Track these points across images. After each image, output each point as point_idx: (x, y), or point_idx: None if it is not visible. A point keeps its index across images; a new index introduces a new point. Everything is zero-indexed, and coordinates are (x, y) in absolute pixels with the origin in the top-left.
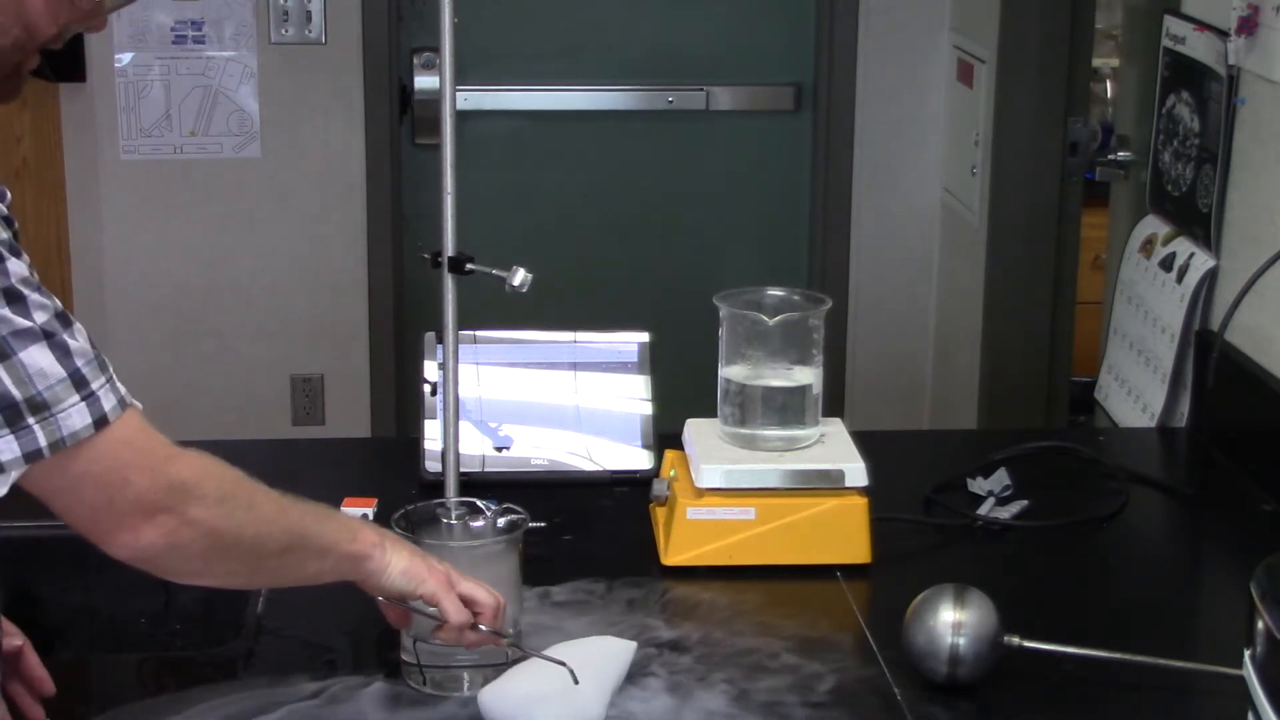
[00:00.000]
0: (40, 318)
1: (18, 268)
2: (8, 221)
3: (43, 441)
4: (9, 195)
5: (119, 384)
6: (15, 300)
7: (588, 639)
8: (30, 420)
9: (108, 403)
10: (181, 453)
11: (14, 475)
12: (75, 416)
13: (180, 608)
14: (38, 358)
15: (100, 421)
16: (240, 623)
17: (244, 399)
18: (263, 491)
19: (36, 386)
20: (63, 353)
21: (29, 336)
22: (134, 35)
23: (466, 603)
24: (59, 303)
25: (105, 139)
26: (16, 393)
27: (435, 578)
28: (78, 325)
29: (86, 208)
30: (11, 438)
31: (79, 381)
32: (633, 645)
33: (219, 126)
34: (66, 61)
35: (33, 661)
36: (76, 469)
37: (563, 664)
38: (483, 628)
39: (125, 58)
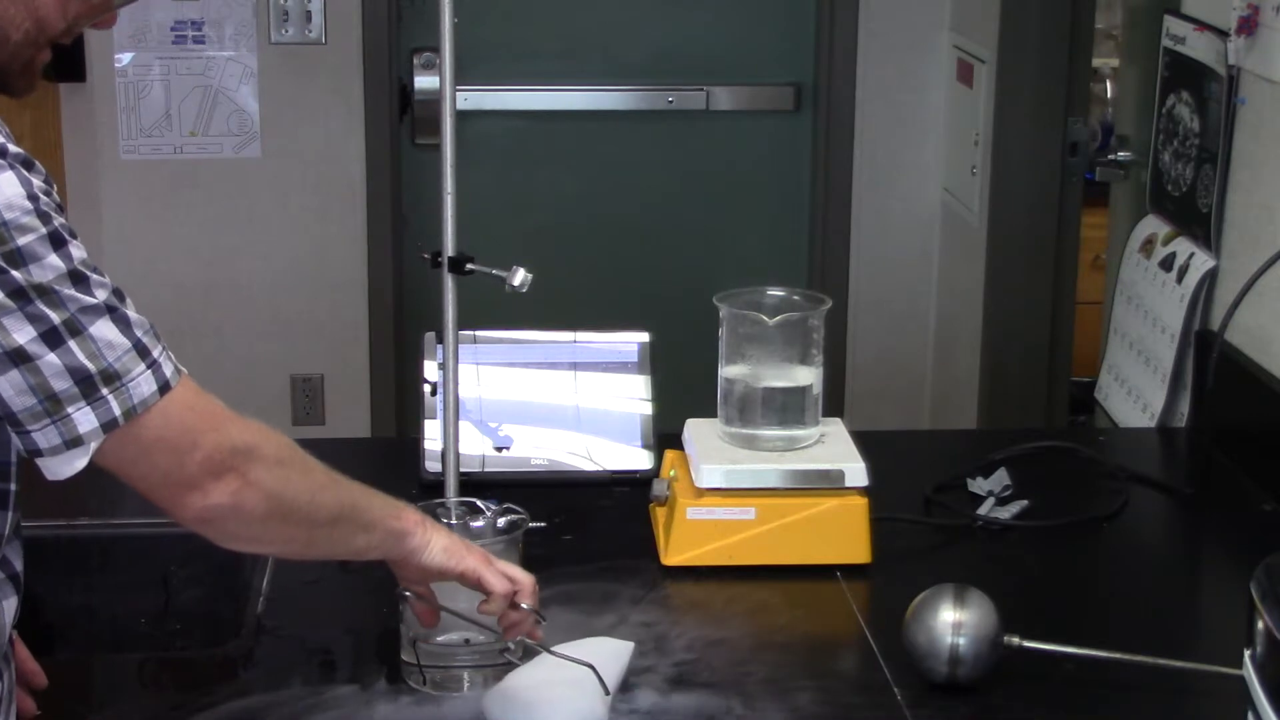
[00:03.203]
0: (101, 295)
1: (78, 250)
2: (60, 209)
3: (117, 410)
4: (55, 184)
5: (170, 351)
6: (80, 280)
7: (587, 640)
8: (104, 391)
9: (168, 369)
10: (238, 416)
11: (93, 446)
12: (143, 384)
13: (180, 608)
14: (105, 331)
15: (164, 387)
16: (240, 623)
17: (244, 399)
18: (314, 460)
19: (107, 358)
20: (125, 325)
21: (95, 312)
22: (134, 35)
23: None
24: (111, 280)
25: (105, 139)
26: (90, 366)
27: (475, 555)
28: (129, 299)
29: (86, 208)
30: (88, 409)
31: (142, 351)
32: (631, 646)
33: (219, 126)
34: (66, 61)
35: (23, 655)
36: (149, 436)
37: (590, 666)
38: (524, 605)
39: (125, 58)
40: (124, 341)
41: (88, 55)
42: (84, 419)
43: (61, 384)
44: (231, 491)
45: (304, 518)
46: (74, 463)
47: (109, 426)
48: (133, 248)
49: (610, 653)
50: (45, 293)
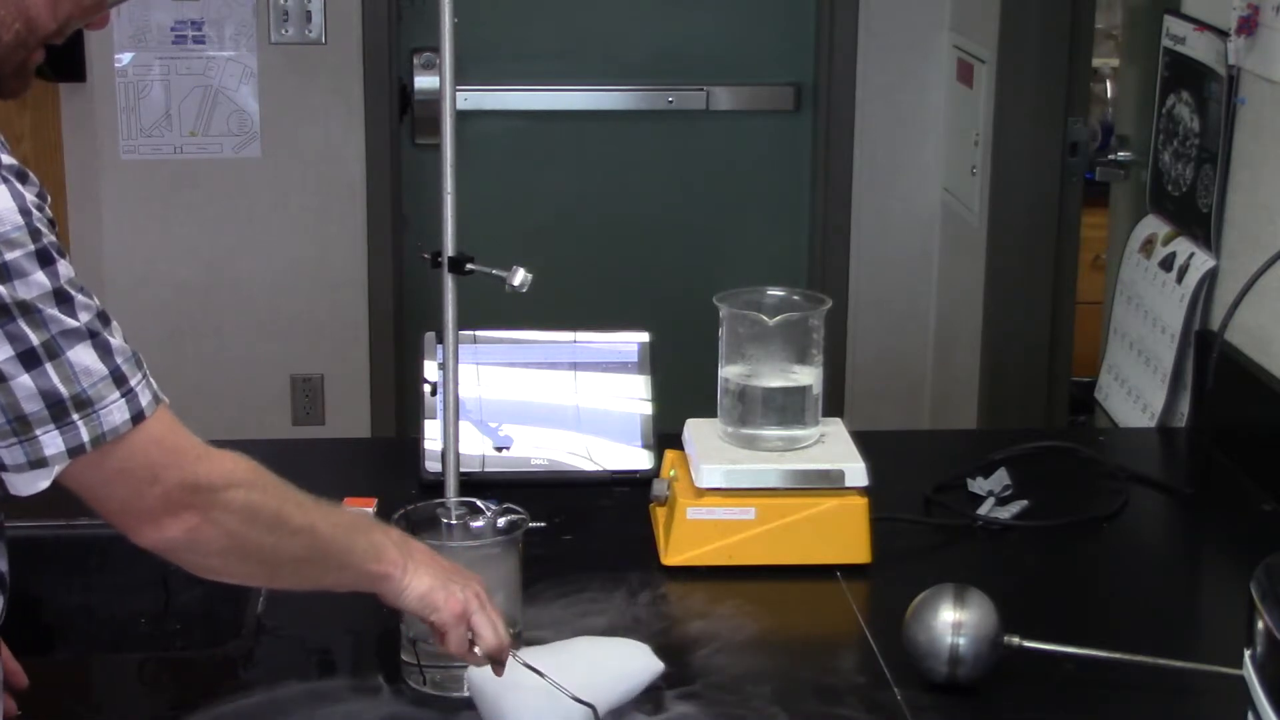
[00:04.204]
0: (84, 317)
1: (65, 270)
2: (52, 224)
3: (85, 437)
4: (49, 198)
5: (151, 379)
6: (64, 301)
7: (619, 640)
8: (75, 416)
9: (144, 399)
10: (211, 453)
11: (57, 469)
12: (115, 413)
13: (180, 608)
14: (83, 356)
15: (137, 417)
16: (240, 623)
17: (244, 399)
18: (293, 499)
19: (81, 384)
20: (104, 351)
21: (76, 336)
22: (134, 35)
23: (473, 633)
24: (99, 301)
25: (105, 139)
26: (64, 390)
27: (451, 607)
28: (115, 323)
29: (86, 208)
30: (57, 433)
31: (119, 379)
32: (659, 667)
33: (219, 126)
34: (66, 61)
35: (5, 655)
36: (112, 465)
37: (591, 706)
38: (477, 651)
39: (125, 58)
40: (101, 368)
41: (88, 55)
42: (51, 442)
43: (32, 406)
44: (188, 529)
45: (267, 556)
46: (37, 483)
47: (75, 452)
48: (133, 248)
49: (629, 658)
50: (28, 311)
